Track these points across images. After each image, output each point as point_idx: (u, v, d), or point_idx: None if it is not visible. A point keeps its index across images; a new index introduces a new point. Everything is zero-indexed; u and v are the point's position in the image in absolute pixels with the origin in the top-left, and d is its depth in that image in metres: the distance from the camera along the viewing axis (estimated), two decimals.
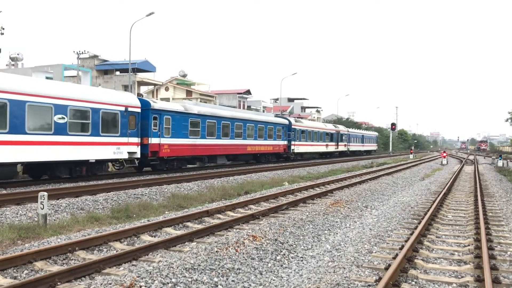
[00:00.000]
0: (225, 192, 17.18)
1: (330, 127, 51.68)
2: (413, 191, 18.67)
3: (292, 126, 39.23)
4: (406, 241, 8.89)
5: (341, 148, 54.22)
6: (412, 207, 13.82)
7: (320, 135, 46.55)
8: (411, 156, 60.11)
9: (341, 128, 55.75)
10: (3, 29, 34.41)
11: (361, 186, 19.58)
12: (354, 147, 61.53)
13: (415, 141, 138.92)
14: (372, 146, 75.15)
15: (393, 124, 78.80)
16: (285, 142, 38.07)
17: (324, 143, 47.63)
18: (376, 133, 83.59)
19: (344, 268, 7.25)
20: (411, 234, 9.53)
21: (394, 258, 7.66)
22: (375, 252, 8.33)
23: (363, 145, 67.15)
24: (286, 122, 38.70)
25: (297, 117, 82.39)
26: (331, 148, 50.38)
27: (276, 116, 41.33)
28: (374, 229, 10.50)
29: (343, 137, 55.07)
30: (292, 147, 39.11)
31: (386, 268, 7.05)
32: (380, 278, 6.56)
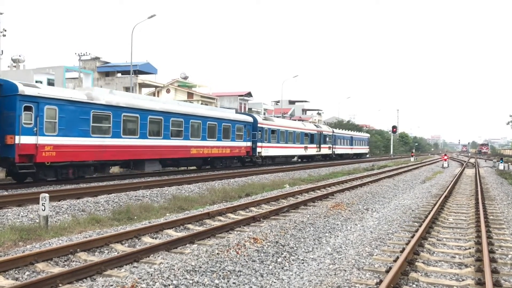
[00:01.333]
0: (226, 194, 17.19)
1: (310, 127, 45.50)
2: (414, 194, 18.67)
3: (259, 125, 33.02)
4: (407, 244, 8.89)
5: (325, 150, 47.93)
6: (413, 210, 13.82)
7: (297, 136, 40.38)
8: (412, 159, 60.12)
9: (324, 129, 49.85)
10: (5, 30, 34.50)
11: (362, 189, 19.58)
12: (341, 149, 54.94)
13: (416, 144, 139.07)
14: (363, 149, 67.98)
15: (394, 127, 78.95)
16: (249, 144, 31.81)
17: (302, 145, 41.61)
18: (368, 135, 74.79)
19: (345, 270, 7.26)
20: (412, 237, 9.53)
21: (395, 261, 7.66)
22: (376, 255, 8.34)
23: (352, 148, 60.42)
24: (249, 119, 32.43)
25: (297, 118, 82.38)
26: (312, 150, 44.18)
27: (238, 113, 35.55)
28: (375, 232, 10.51)
29: (327, 139, 48.82)
30: (259, 149, 32.78)
31: (387, 271, 7.06)
32: (381, 281, 6.56)
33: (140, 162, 22.04)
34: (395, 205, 15.17)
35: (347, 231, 10.91)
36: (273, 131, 35.57)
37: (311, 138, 44.03)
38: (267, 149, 34.41)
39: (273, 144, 35.62)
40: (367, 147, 70.98)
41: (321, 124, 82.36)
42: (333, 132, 51.55)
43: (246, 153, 31.74)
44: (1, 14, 33.92)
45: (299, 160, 46.49)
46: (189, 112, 25.31)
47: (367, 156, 67.89)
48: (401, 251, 8.26)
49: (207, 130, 26.85)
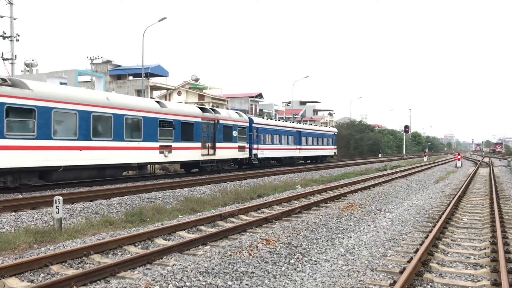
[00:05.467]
0: (238, 195, 17.20)
1: (183, 110, 24.13)
2: (427, 194, 18.51)
3: None
4: (421, 244, 8.82)
5: (229, 153, 27.89)
6: (426, 210, 13.71)
7: (136, 126, 20.51)
8: (425, 158, 59.60)
9: (227, 115, 28.47)
10: (18, 35, 34.87)
11: (375, 189, 19.47)
12: (275, 151, 34.96)
13: (429, 143, 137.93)
14: (324, 150, 46.15)
15: (406, 127, 78.22)
16: None
17: (155, 144, 21.38)
18: (334, 130, 51.86)
19: (359, 271, 7.21)
20: (426, 237, 9.45)
21: (408, 261, 7.60)
22: (390, 256, 8.28)
23: (299, 148, 39.41)
24: None
25: (308, 119, 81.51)
26: (189, 154, 24.03)
27: None
28: (388, 233, 10.43)
29: (234, 133, 28.69)
30: None
31: (401, 272, 7.00)
32: (394, 282, 6.51)
33: None
34: (408, 206, 15.06)
35: (360, 232, 10.85)
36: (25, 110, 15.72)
37: (185, 131, 23.69)
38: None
39: (43, 142, 16.23)
40: (333, 146, 49.46)
41: (332, 124, 79.36)
42: (250, 123, 31.11)
43: None
44: (14, 19, 34.31)
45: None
46: None
47: (313, 161, 45.84)
48: (415, 252, 8.20)
49: None
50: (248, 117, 31.57)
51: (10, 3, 33.77)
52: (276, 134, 35.26)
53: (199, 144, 24.80)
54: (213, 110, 27.42)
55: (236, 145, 28.91)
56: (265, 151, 32.97)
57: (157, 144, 21.74)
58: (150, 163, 22.92)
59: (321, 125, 54.59)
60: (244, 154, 29.92)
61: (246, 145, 30.18)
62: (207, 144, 25.53)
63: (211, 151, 25.91)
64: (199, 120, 25.04)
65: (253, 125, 31.47)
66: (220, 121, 26.96)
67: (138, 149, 20.50)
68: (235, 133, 28.71)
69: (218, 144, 26.51)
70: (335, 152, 50.14)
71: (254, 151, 31.19)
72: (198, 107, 26.20)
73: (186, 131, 23.85)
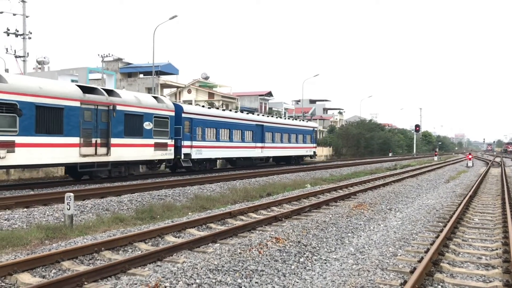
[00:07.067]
0: (247, 193, 17.22)
1: (24, 85, 15.50)
2: (438, 194, 18.38)
3: None
4: (431, 244, 8.75)
5: (138, 153, 20.30)
6: (437, 210, 13.61)
7: None
8: (435, 158, 59.20)
9: (136, 101, 20.40)
10: (30, 33, 35.16)
11: (385, 189, 19.37)
12: (222, 151, 27.29)
13: (440, 143, 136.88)
14: (300, 149, 38.30)
15: (417, 126, 77.76)
16: None
17: None
18: (314, 125, 43.24)
19: (369, 271, 7.19)
20: (437, 237, 9.39)
21: (419, 261, 7.55)
22: (400, 255, 8.24)
23: (262, 147, 31.73)
24: None
25: (318, 118, 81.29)
26: (49, 154, 16.14)
27: None
28: (399, 232, 10.38)
29: (148, 125, 20.73)
30: None
31: (412, 272, 6.96)
32: (405, 282, 6.48)
33: None
34: (418, 205, 14.97)
35: (370, 231, 10.80)
36: None
37: (45, 119, 16.29)
38: None
39: None
40: (312, 145, 40.71)
41: (342, 123, 78.48)
42: (178, 112, 23.23)
43: None
44: (27, 17, 34.61)
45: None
46: None
47: (285, 162, 37.76)
48: (426, 252, 8.14)
49: None
50: (175, 104, 23.68)
51: (23, 1, 34.06)
52: (223, 128, 27.20)
53: (75, 140, 17.13)
54: (107, 91, 19.31)
55: (151, 141, 20.86)
56: (203, 150, 24.91)
57: None
58: None
59: (295, 119, 43.89)
60: (166, 154, 21.95)
61: (170, 141, 22.12)
62: (93, 139, 17.94)
63: (101, 150, 18.26)
64: (77, 104, 17.18)
65: (184, 115, 23.40)
66: (118, 107, 18.92)
67: None
68: (148, 125, 20.70)
69: (115, 140, 18.81)
70: (314, 152, 41.22)
71: (185, 150, 23.41)
72: (78, 86, 18.30)
73: (47, 119, 16.31)
